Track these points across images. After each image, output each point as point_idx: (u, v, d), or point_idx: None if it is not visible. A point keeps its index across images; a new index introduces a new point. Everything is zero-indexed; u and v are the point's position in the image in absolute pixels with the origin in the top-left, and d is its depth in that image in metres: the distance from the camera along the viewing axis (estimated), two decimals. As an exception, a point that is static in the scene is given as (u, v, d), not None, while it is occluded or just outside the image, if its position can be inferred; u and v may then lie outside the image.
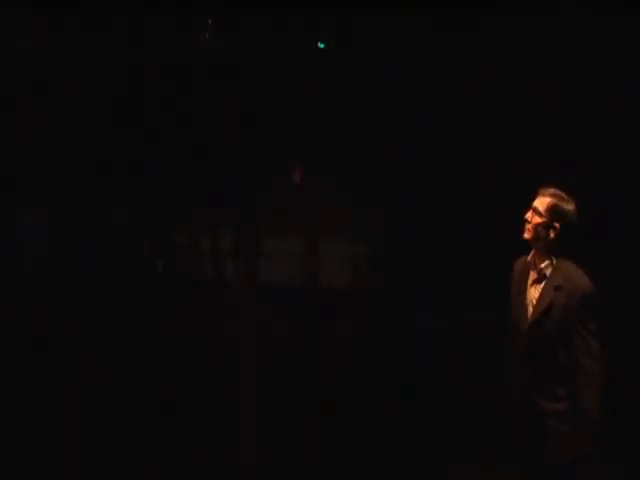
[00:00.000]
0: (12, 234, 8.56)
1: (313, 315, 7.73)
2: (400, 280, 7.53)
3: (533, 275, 3.28)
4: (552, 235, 3.15)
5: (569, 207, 3.14)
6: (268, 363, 6.20)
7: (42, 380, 5.72)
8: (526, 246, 3.30)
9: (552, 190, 3.19)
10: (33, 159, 6.34)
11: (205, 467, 4.56)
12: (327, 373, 6.01)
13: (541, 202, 3.19)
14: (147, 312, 7.74)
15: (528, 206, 3.24)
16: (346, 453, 4.70)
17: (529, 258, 3.30)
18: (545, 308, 3.15)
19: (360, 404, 5.40)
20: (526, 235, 3.23)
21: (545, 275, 3.21)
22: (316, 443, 4.82)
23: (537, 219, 3.18)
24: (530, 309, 3.24)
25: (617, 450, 4.33)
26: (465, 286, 7.18)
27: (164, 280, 8.26)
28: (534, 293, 3.25)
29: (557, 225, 3.13)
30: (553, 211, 3.14)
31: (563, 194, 3.18)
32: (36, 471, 4.35)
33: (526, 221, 3.22)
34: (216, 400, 5.46)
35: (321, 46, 7.91)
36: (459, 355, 6.12)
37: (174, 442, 4.81)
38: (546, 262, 3.21)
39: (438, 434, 4.91)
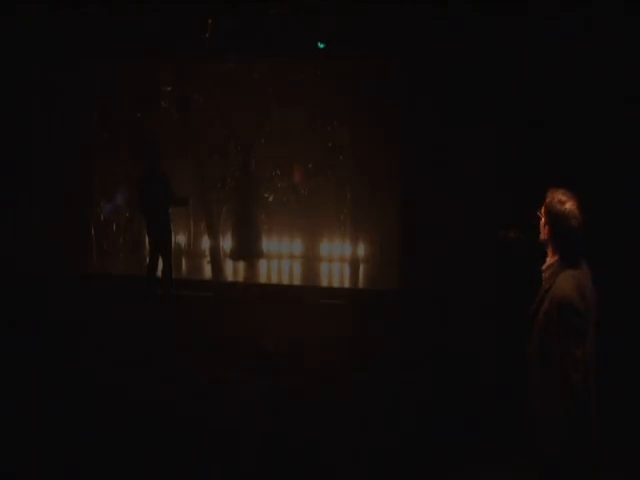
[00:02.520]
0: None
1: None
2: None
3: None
4: (547, 235, 3.15)
5: (560, 208, 3.08)
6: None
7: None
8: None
9: (554, 191, 3.15)
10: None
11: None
12: (328, 372, 6.01)
13: (544, 204, 3.19)
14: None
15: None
16: (347, 453, 4.70)
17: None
18: (535, 309, 3.15)
19: (360, 404, 5.39)
20: (540, 236, 3.24)
21: (545, 275, 3.19)
22: (316, 442, 4.81)
23: (541, 220, 3.20)
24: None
25: (617, 450, 4.32)
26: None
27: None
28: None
29: (548, 226, 3.12)
30: (547, 212, 3.14)
31: (561, 195, 3.11)
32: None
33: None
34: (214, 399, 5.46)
35: (321, 46, 7.92)
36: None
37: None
38: (548, 262, 3.18)
39: (439, 434, 4.91)
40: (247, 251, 9.31)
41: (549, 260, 3.19)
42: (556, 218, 3.10)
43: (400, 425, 5.05)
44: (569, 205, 3.07)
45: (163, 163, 8.37)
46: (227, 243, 10.02)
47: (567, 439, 2.98)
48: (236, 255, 9.42)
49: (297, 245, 10.73)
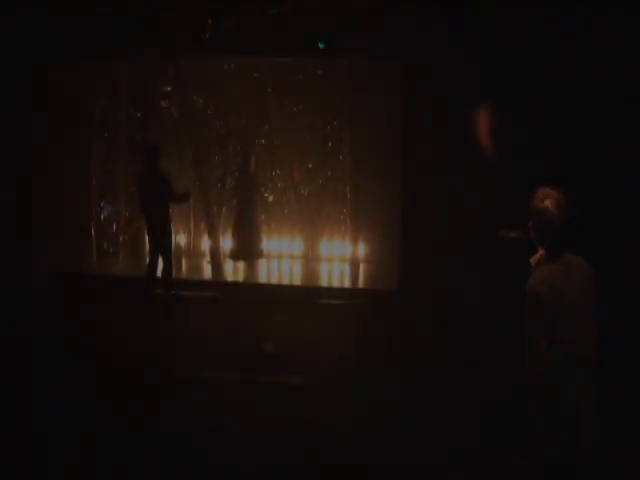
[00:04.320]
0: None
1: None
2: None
3: None
4: (532, 233, 3.25)
5: (539, 205, 3.17)
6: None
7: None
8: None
9: (540, 189, 3.23)
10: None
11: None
12: (327, 372, 6.01)
13: None
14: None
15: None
16: (346, 453, 4.70)
17: None
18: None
19: (360, 404, 5.40)
20: None
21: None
22: (316, 442, 4.82)
23: None
24: None
25: (617, 450, 4.32)
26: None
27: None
28: None
29: (531, 222, 3.22)
30: (531, 210, 3.23)
31: (543, 192, 3.20)
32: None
33: None
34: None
35: (321, 46, 7.92)
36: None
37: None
38: (533, 256, 3.28)
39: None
40: (247, 251, 9.30)
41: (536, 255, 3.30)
42: (535, 214, 3.19)
43: (400, 425, 5.05)
44: (548, 202, 3.15)
45: (163, 163, 8.37)
46: (227, 243, 10.02)
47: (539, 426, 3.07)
48: (236, 255, 9.42)
49: (297, 245, 10.73)
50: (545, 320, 3.03)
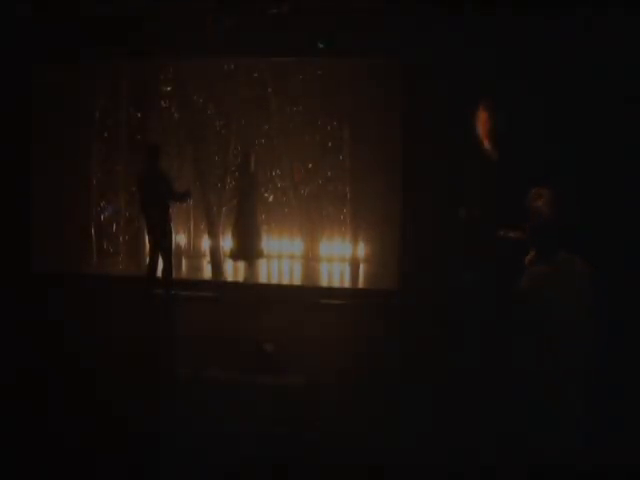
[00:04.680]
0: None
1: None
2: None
3: None
4: (527, 233, 3.28)
5: (531, 206, 3.19)
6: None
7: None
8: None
9: (533, 190, 3.25)
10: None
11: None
12: (328, 372, 6.00)
13: None
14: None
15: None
16: (346, 454, 4.70)
17: None
18: None
19: (359, 404, 5.40)
20: None
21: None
22: (316, 443, 4.82)
23: None
24: None
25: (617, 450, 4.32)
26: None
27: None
28: None
29: (528, 223, 3.24)
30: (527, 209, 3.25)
31: (536, 193, 3.21)
32: None
33: None
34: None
35: (321, 46, 7.93)
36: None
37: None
38: (527, 257, 3.31)
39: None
40: (247, 251, 9.31)
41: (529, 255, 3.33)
42: (531, 215, 3.21)
43: (400, 425, 5.05)
44: (540, 202, 3.18)
45: (163, 163, 8.37)
46: (227, 243, 10.02)
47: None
48: (236, 255, 9.43)
49: (297, 245, 10.74)
50: (537, 320, 3.03)
